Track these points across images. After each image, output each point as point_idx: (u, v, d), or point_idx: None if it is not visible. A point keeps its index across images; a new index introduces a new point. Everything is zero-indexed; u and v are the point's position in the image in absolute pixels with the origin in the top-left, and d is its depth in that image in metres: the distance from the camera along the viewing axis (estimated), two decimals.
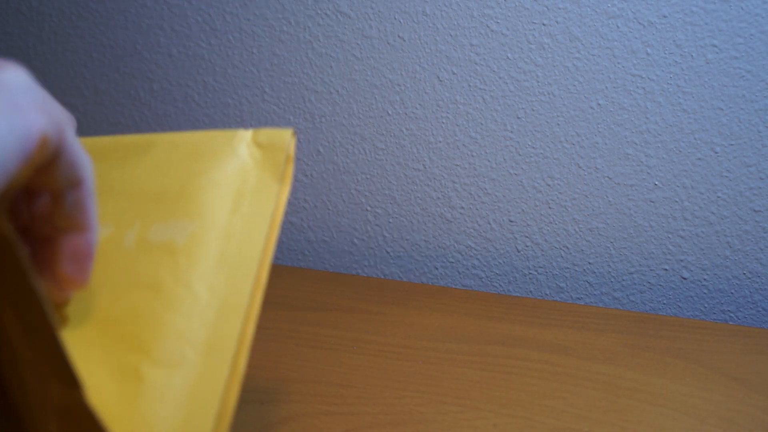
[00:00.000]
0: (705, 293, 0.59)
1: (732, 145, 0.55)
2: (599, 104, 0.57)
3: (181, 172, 0.32)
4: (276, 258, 0.70)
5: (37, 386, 0.23)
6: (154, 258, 0.30)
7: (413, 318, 0.53)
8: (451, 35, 0.59)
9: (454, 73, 0.60)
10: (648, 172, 0.58)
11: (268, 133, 0.33)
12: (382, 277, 0.68)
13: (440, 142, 0.62)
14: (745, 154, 0.55)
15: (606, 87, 0.57)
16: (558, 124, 0.59)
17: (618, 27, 0.55)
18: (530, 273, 0.63)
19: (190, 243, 0.30)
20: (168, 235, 0.30)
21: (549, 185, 0.60)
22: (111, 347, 0.28)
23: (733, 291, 0.59)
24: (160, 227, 0.31)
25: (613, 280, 0.61)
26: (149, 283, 0.29)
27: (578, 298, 0.62)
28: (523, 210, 0.62)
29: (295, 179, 0.67)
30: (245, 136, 0.33)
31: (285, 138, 0.33)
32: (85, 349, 0.28)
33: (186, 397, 0.27)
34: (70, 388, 0.22)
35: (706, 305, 0.59)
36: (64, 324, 0.29)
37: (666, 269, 0.60)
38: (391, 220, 0.66)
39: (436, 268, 0.66)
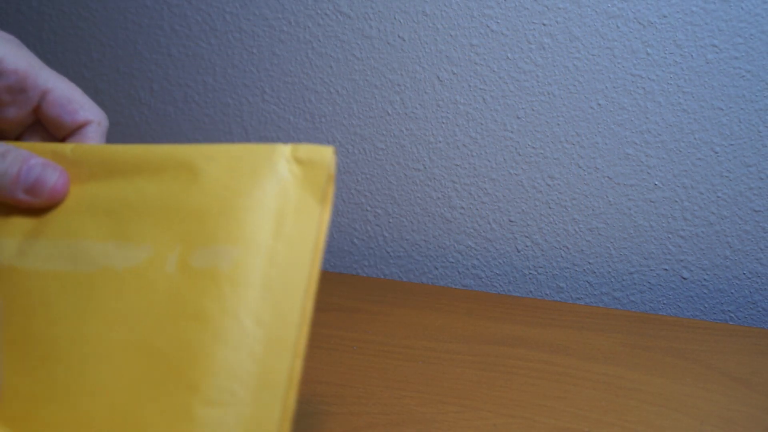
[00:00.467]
0: (705, 293, 0.59)
1: (732, 145, 0.55)
2: (599, 104, 0.57)
3: (219, 189, 0.31)
4: None
5: None
6: (198, 285, 0.29)
7: (413, 318, 0.53)
8: (451, 35, 0.59)
9: (454, 73, 0.60)
10: (648, 172, 0.58)
11: (308, 150, 0.31)
12: (382, 277, 0.68)
13: (440, 142, 0.62)
14: (745, 154, 0.55)
15: (606, 87, 0.57)
16: (558, 124, 0.59)
17: (618, 27, 0.55)
18: (530, 273, 0.63)
19: (234, 270, 0.29)
20: (211, 261, 0.29)
21: (549, 185, 0.60)
22: (160, 383, 0.27)
23: (733, 291, 0.59)
24: (203, 252, 0.30)
25: (613, 280, 0.61)
26: (195, 312, 0.28)
27: (578, 298, 0.62)
28: (523, 210, 0.62)
29: None
30: (284, 151, 0.31)
31: (327, 156, 0.31)
32: (134, 383, 0.27)
33: None
34: None
35: (706, 305, 0.59)
36: (110, 347, 0.28)
37: (666, 269, 0.60)
38: (391, 220, 0.66)
39: (436, 268, 0.66)
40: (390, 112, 0.63)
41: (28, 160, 0.30)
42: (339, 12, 0.61)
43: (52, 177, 0.31)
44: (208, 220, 0.30)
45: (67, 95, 0.34)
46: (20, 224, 0.32)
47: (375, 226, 0.66)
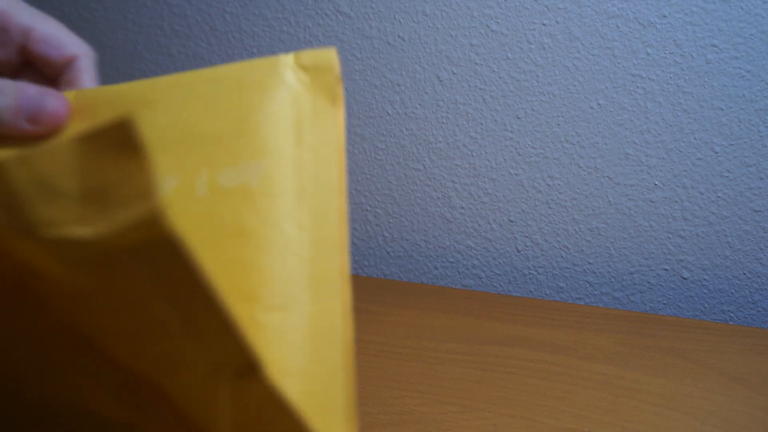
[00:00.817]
0: (705, 293, 0.59)
1: (732, 145, 0.55)
2: (599, 104, 0.57)
3: (232, 109, 0.31)
4: None
5: (201, 380, 0.23)
6: (233, 204, 0.29)
7: (413, 318, 0.53)
8: (451, 35, 0.59)
9: (454, 73, 0.60)
10: (648, 172, 0.58)
11: (311, 55, 0.31)
12: (382, 277, 0.68)
13: (440, 142, 0.62)
14: (745, 154, 0.55)
15: (606, 87, 0.57)
16: (558, 124, 0.59)
17: (618, 27, 0.55)
18: (530, 273, 0.63)
19: (264, 183, 0.29)
20: (240, 179, 0.29)
21: (549, 185, 0.60)
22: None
23: (733, 291, 0.58)
24: (229, 172, 0.29)
25: (613, 280, 0.61)
26: (236, 230, 0.28)
27: (578, 298, 0.62)
28: (523, 210, 0.62)
29: None
30: (287, 61, 0.31)
31: (331, 58, 0.31)
32: None
33: (308, 335, 0.27)
34: (249, 375, 0.21)
35: (706, 305, 0.59)
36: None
37: (666, 269, 0.60)
38: (391, 220, 0.66)
39: (436, 268, 0.66)
40: (390, 112, 0.63)
41: (25, 90, 0.30)
42: (339, 12, 0.61)
43: (53, 103, 0.31)
44: (228, 140, 0.30)
45: (51, 32, 0.34)
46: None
47: (375, 226, 0.66)
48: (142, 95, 0.32)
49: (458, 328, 0.52)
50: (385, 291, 0.58)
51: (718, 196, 0.57)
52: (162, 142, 0.31)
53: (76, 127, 0.32)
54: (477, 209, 0.63)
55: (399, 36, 0.60)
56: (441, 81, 0.60)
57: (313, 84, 0.31)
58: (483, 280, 0.65)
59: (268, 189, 0.29)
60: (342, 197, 0.29)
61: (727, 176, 0.56)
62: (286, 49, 0.64)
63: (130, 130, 0.19)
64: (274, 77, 0.31)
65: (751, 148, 0.55)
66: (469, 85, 0.60)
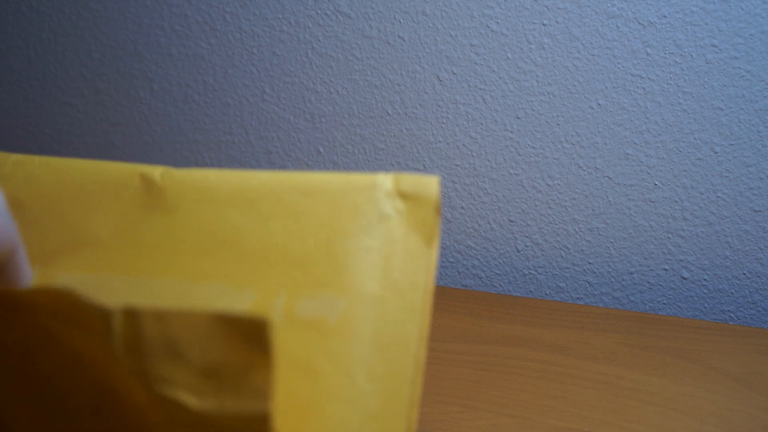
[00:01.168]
0: (705, 293, 0.59)
1: (732, 145, 0.55)
2: (599, 104, 0.57)
3: (322, 231, 0.29)
4: None
5: None
6: (306, 338, 0.27)
7: None
8: (451, 35, 0.59)
9: (454, 73, 0.60)
10: (648, 172, 0.58)
11: (412, 182, 0.29)
12: None
13: (440, 142, 0.62)
14: (745, 154, 0.55)
15: (606, 87, 0.57)
16: (558, 124, 0.59)
17: (618, 27, 0.55)
18: (530, 273, 0.63)
19: (343, 322, 0.27)
20: (318, 312, 0.28)
21: (549, 185, 0.60)
22: None
23: (733, 291, 0.59)
24: (309, 302, 0.28)
25: (613, 280, 0.61)
26: (305, 367, 0.27)
27: (578, 298, 0.62)
28: (523, 210, 0.62)
29: None
30: (386, 183, 0.29)
31: (432, 188, 0.28)
32: None
33: None
34: None
35: (706, 305, 0.59)
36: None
37: (666, 269, 0.60)
38: None
39: (436, 268, 0.66)
40: (390, 112, 0.63)
41: None
42: (339, 12, 0.61)
43: None
44: (313, 265, 0.28)
45: None
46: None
47: None
48: (232, 191, 0.30)
49: (458, 328, 0.52)
50: None
51: (718, 196, 0.57)
52: (245, 249, 0.29)
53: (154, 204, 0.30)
54: (477, 209, 0.63)
55: (399, 36, 0.60)
56: (441, 81, 0.60)
57: (409, 216, 0.29)
58: (483, 280, 0.65)
59: (345, 330, 0.27)
60: (421, 348, 0.28)
61: (726, 176, 0.56)
62: (286, 49, 0.64)
63: (264, 330, 0.19)
64: (369, 203, 0.29)
65: (751, 148, 0.55)
66: (469, 85, 0.60)
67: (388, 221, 0.29)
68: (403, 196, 0.29)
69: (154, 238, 0.30)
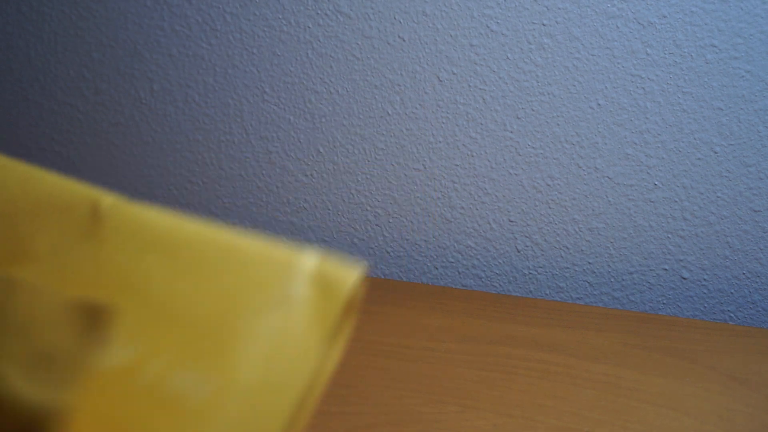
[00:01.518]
0: (705, 293, 0.59)
1: (732, 145, 0.55)
2: (599, 104, 0.57)
3: (224, 299, 0.27)
4: None
5: None
6: (162, 415, 0.25)
7: (413, 318, 0.53)
8: (451, 35, 0.59)
9: (454, 73, 0.60)
10: (648, 172, 0.58)
11: (331, 269, 0.26)
12: (382, 277, 0.68)
13: (440, 142, 0.62)
14: (745, 154, 0.55)
15: (606, 87, 0.57)
16: (558, 124, 0.59)
17: (618, 27, 0.55)
18: (530, 273, 0.63)
19: (204, 406, 0.25)
20: (185, 388, 0.25)
21: (549, 185, 0.60)
22: None
23: (733, 291, 0.59)
24: (182, 374, 0.26)
25: (613, 280, 0.61)
26: None
27: (578, 298, 0.62)
28: (523, 210, 0.62)
29: (295, 179, 0.67)
30: (308, 263, 0.27)
31: (347, 281, 0.26)
32: None
33: None
34: None
35: (706, 305, 0.59)
36: None
37: (666, 269, 0.60)
38: (391, 220, 0.66)
39: (436, 268, 0.66)
40: (390, 112, 0.63)
41: None
42: (339, 12, 0.61)
43: None
44: (202, 334, 0.26)
45: None
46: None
47: (375, 226, 0.66)
48: (160, 236, 0.28)
49: (458, 328, 0.52)
50: (385, 291, 0.58)
51: (718, 196, 0.57)
52: (148, 299, 0.27)
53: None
54: (477, 209, 0.63)
55: (399, 36, 0.61)
56: (441, 81, 0.60)
57: (314, 307, 0.26)
58: (483, 280, 0.65)
59: (203, 415, 0.25)
60: None
61: (726, 176, 0.56)
62: (286, 49, 0.64)
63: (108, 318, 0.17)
64: (280, 281, 0.26)
65: (751, 148, 0.55)
66: (469, 85, 0.60)
67: (290, 307, 0.26)
68: (317, 283, 0.26)
69: (76, 265, 0.29)
